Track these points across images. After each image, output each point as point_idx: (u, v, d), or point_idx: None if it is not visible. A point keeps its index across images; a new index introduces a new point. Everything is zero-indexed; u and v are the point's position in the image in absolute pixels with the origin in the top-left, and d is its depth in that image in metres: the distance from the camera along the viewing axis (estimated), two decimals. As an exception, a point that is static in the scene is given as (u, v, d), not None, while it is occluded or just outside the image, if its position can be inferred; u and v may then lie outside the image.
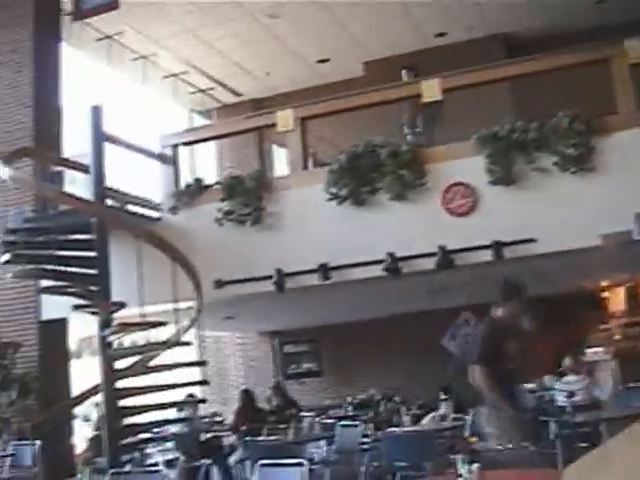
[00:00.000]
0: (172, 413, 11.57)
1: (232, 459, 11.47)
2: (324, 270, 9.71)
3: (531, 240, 9.04)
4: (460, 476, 4.84)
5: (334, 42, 15.74)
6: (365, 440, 11.01)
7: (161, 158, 11.11)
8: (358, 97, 10.83)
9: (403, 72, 12.06)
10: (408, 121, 11.54)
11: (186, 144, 11.86)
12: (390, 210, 9.76)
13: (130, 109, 15.84)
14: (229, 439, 12.46)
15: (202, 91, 17.47)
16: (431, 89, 9.93)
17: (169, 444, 11.69)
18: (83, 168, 10.33)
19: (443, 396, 11.40)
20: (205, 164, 16.44)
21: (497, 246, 9.08)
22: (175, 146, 11.17)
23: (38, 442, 10.28)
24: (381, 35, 15.41)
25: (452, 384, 7.65)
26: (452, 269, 9.36)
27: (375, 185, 9.82)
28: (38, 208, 10.68)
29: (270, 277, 9.86)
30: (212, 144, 16.81)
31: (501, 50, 14.98)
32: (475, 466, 4.79)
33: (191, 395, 11.68)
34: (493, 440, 6.91)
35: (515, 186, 9.26)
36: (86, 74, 15.48)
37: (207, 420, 13.91)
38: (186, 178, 11.17)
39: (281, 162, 15.29)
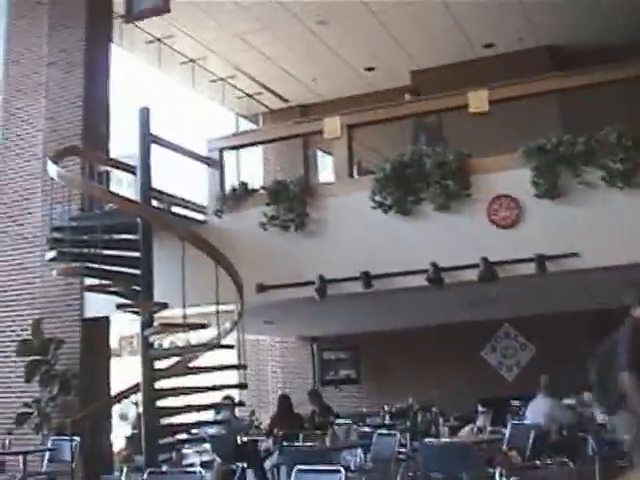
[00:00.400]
0: (210, 415, 11.63)
1: (268, 463, 11.50)
2: (366, 278, 9.71)
3: (574, 254, 8.96)
4: (498, 489, 4.82)
5: (382, 50, 15.75)
6: (401, 450, 11.00)
7: (208, 161, 11.19)
8: (405, 106, 10.84)
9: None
10: (410, 140, 11.52)
11: (232, 148, 11.93)
12: (434, 220, 9.74)
13: (178, 112, 15.97)
14: (265, 443, 12.49)
15: (249, 96, 17.56)
16: (478, 100, 9.90)
17: (206, 445, 11.75)
18: (130, 169, 10.43)
19: (481, 408, 11.37)
20: (250, 168, 16.52)
21: (540, 259, 9.02)
22: (222, 150, 11.25)
23: (77, 438, 10.40)
24: (429, 44, 15.38)
25: (596, 384, 7.42)
26: (494, 281, 9.31)
27: (420, 195, 9.81)
28: (84, 207, 10.78)
29: (312, 283, 9.88)
30: (258, 148, 16.87)
31: (548, 62, 14.88)
32: (513, 479, 4.77)
33: (228, 397, 11.71)
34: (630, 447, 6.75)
35: (560, 200, 9.20)
36: (135, 76, 15.65)
37: (246, 419, 13.91)
38: (232, 182, 11.24)
39: (326, 168, 15.33)
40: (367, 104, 11.98)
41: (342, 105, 14.56)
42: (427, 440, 10.14)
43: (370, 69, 16.72)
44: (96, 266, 9.50)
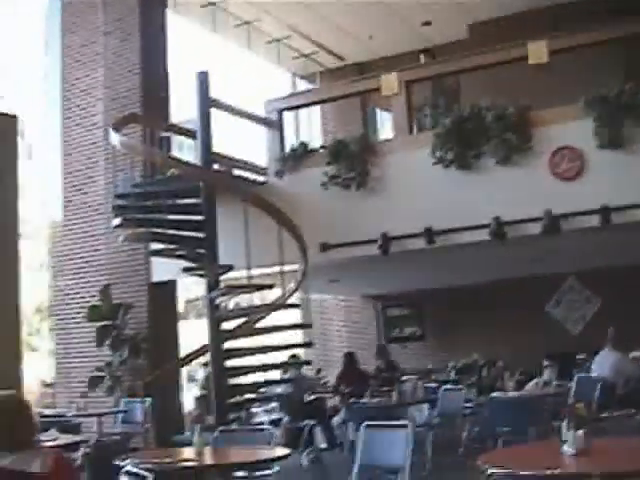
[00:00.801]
0: (277, 374, 11.78)
1: (335, 420, 11.61)
2: (429, 234, 9.70)
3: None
4: (564, 442, 4.81)
5: (438, 4, 15.54)
6: (468, 405, 11.03)
7: (266, 123, 11.22)
8: (463, 60, 10.72)
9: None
10: (430, 100, 11.41)
11: (291, 109, 11.94)
12: (495, 174, 9.68)
13: (234, 74, 15.99)
14: (332, 400, 12.61)
15: (305, 56, 17.48)
16: (538, 51, 9.77)
17: (273, 404, 11.90)
18: (190, 133, 10.52)
19: (546, 362, 11.32)
20: (309, 127, 16.51)
21: (604, 211, 8.92)
22: (280, 111, 11.27)
23: (148, 400, 10.62)
24: (486, -4, 15.13)
25: None
26: (558, 234, 9.24)
27: (481, 149, 9.75)
28: (147, 173, 10.90)
29: (375, 241, 9.90)
30: (316, 108, 16.83)
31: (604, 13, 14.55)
32: (580, 432, 4.76)
33: (294, 356, 11.83)
34: None
35: (624, 149, 9.07)
36: (191, 40, 15.69)
37: (312, 377, 14.03)
38: (291, 142, 11.26)
39: (385, 125, 15.25)
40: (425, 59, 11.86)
41: (399, 61, 14.44)
42: (493, 395, 10.14)
43: (426, 23, 16.50)
44: (161, 231, 9.64)
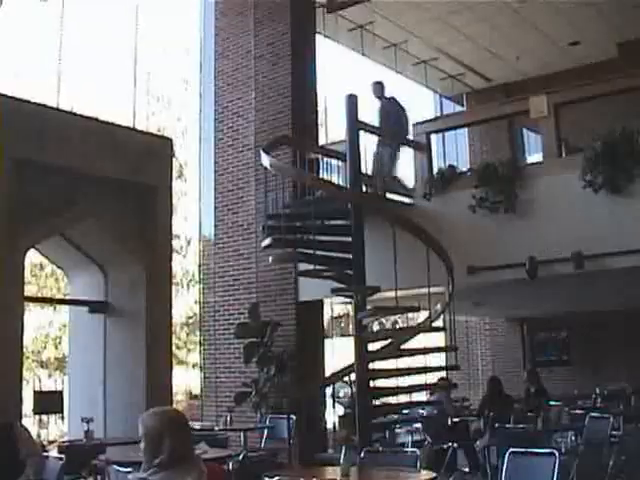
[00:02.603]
0: (421, 396, 11.78)
1: (479, 444, 11.52)
2: (578, 258, 9.54)
3: None
4: None
5: (586, 24, 15.31)
6: (614, 433, 10.76)
7: (415, 145, 11.28)
8: (615, 82, 10.52)
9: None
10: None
11: (439, 131, 11.97)
12: (648, 198, 9.46)
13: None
14: (476, 424, 12.51)
15: (452, 77, 17.54)
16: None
17: (417, 425, 11.90)
18: (339, 155, 10.68)
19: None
20: (455, 148, 16.49)
21: None
22: (429, 133, 11.32)
23: (293, 417, 10.79)
24: (636, 14, 14.80)
25: None
26: None
27: (632, 172, 9.53)
28: (296, 194, 11.10)
29: (522, 264, 9.81)
30: (463, 129, 16.80)
31: None
32: None
33: (444, 379, 11.80)
34: None
35: None
36: (340, 64, 15.92)
37: (457, 404, 13.97)
38: (438, 164, 11.29)
39: (532, 147, 15.10)
40: (573, 80, 11.69)
41: (546, 82, 14.30)
42: (642, 424, 9.87)
43: (574, 43, 16.28)
44: (310, 251, 9.80)
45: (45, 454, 7.62)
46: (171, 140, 12.26)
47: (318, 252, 9.69)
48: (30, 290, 16.31)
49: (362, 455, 7.11)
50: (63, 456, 7.17)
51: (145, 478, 3.74)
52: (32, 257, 12.55)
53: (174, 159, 12.62)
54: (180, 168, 20.77)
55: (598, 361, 15.86)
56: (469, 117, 12.74)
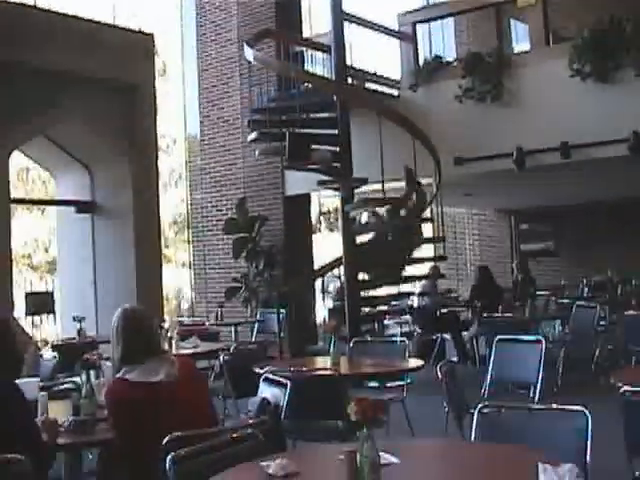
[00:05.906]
0: (408, 287, 11.83)
1: (467, 334, 11.64)
2: (565, 148, 9.52)
3: None
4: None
5: None
6: (601, 322, 10.87)
7: (400, 36, 11.11)
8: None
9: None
10: None
11: (425, 21, 11.77)
12: (635, 87, 9.36)
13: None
14: (464, 314, 12.62)
15: (438, -35, 17.12)
16: None
17: (406, 317, 12.01)
18: (324, 48, 10.52)
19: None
20: (441, 38, 16.23)
21: None
22: (414, 23, 11.13)
23: (283, 310, 10.88)
24: None
25: None
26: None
27: (620, 61, 9.42)
28: (281, 88, 10.96)
29: (510, 155, 9.78)
30: (449, 19, 16.50)
31: None
32: None
33: (436, 267, 11.83)
34: None
35: None
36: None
37: (442, 296, 14.08)
38: (424, 55, 11.14)
39: (520, 36, 14.85)
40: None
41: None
42: (628, 313, 9.95)
43: None
44: (295, 145, 9.71)
45: (40, 353, 7.70)
46: (152, 35, 12.01)
47: (304, 145, 9.61)
48: (18, 194, 16.20)
49: (351, 345, 7.18)
50: (56, 354, 7.25)
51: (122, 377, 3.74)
52: (19, 162, 12.44)
53: (156, 56, 12.40)
54: (163, 66, 20.43)
55: (585, 252, 15.94)
56: (456, 7, 12.45)
